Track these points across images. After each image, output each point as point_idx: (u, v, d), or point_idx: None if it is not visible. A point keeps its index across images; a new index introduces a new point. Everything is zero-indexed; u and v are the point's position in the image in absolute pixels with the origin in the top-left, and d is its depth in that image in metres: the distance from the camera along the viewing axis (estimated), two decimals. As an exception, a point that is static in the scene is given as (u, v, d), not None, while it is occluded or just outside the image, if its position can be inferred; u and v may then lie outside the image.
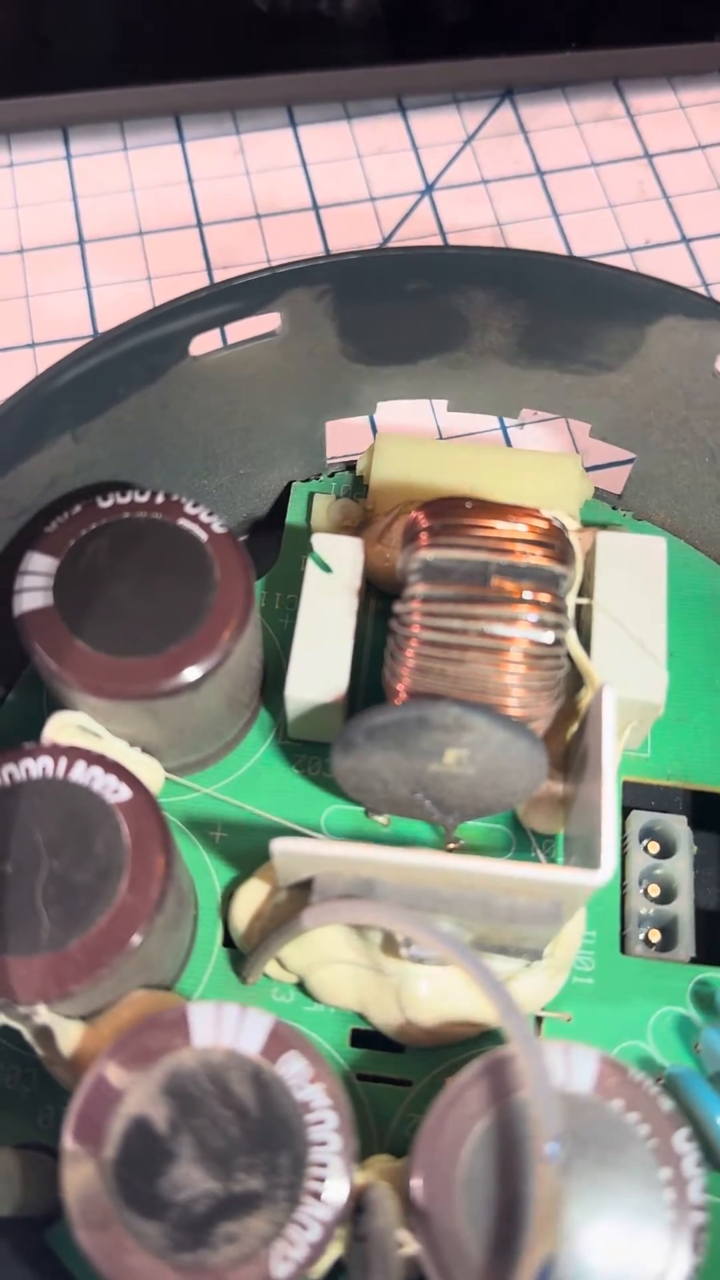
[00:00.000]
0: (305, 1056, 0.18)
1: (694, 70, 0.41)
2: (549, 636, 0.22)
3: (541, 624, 0.22)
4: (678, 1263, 0.18)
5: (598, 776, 0.22)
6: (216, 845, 0.25)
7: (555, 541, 0.23)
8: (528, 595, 0.22)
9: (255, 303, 0.23)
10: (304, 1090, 0.18)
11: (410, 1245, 0.18)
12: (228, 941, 0.24)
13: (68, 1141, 0.18)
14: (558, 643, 0.22)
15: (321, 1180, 0.18)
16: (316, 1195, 0.18)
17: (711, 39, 0.40)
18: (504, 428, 0.34)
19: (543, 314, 0.24)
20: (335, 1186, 0.18)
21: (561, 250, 0.38)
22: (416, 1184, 0.18)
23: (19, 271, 0.37)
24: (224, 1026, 0.19)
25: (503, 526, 0.23)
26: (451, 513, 0.23)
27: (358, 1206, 0.18)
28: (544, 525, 0.23)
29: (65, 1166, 0.18)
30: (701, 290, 0.37)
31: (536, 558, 0.22)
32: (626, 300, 0.23)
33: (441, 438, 0.34)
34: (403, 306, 0.24)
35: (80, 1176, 0.18)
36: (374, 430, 0.33)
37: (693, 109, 0.40)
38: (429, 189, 0.39)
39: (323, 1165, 0.18)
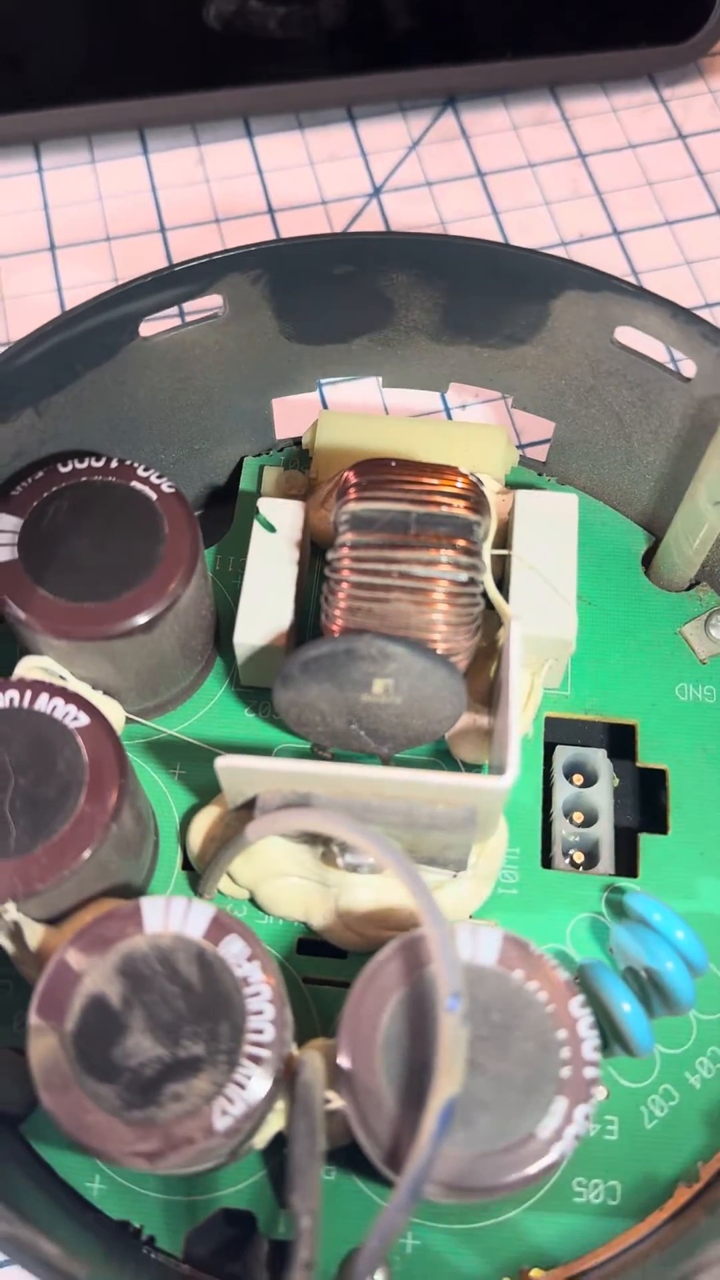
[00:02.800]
0: (243, 939, 0.21)
1: (625, 75, 0.44)
2: (463, 576, 0.25)
3: (456, 565, 0.25)
4: (575, 1111, 0.20)
5: (508, 698, 0.24)
6: (176, 780, 0.27)
7: (470, 494, 0.25)
8: (444, 540, 0.25)
9: (196, 287, 0.26)
10: (242, 968, 0.21)
11: (336, 1102, 0.20)
12: (187, 865, 0.26)
13: (33, 1017, 0.20)
14: (472, 582, 0.25)
15: (257, 1045, 0.20)
16: (253, 1058, 0.20)
17: (640, 46, 0.42)
18: (447, 408, 0.37)
19: (458, 293, 0.27)
20: (269, 1050, 0.20)
21: (500, 245, 0.40)
22: (342, 1049, 0.20)
23: (-5, 276, 0.40)
24: (172, 915, 0.21)
25: (422, 481, 0.25)
26: (377, 470, 0.26)
27: (292, 1074, 0.21)
28: (460, 480, 0.25)
29: (31, 1039, 0.20)
30: (631, 279, 0.40)
31: (453, 508, 0.25)
32: (530, 277, 0.26)
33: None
34: (332, 289, 0.27)
35: (44, 1047, 0.20)
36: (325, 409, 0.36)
37: (624, 111, 0.43)
38: (377, 192, 0.41)
39: (258, 1032, 0.20)
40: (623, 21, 0.42)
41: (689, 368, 0.27)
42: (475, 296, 0.27)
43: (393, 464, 0.26)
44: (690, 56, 0.42)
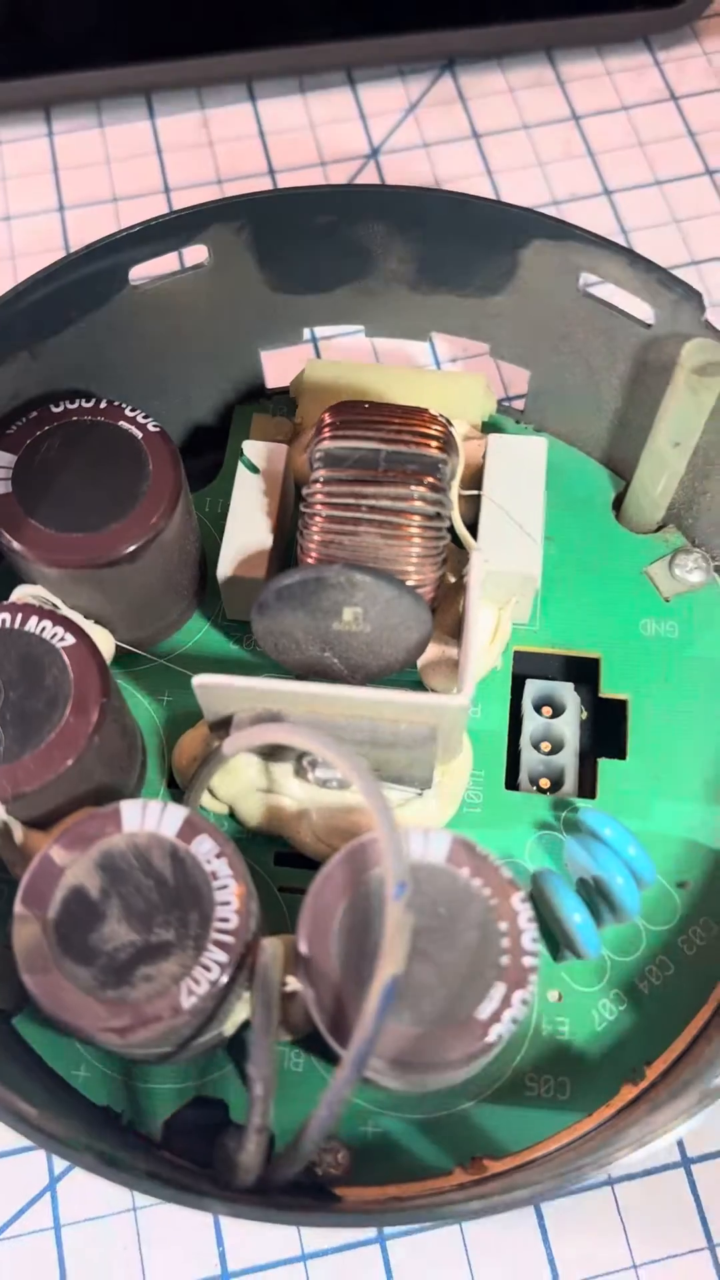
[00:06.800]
0: (213, 838, 0.23)
1: (620, 38, 0.44)
2: (429, 510, 0.26)
3: (423, 500, 0.26)
4: (513, 996, 0.21)
5: (469, 624, 0.26)
6: (165, 707, 0.29)
7: (438, 434, 0.27)
8: (411, 476, 0.26)
9: (182, 238, 0.27)
10: (211, 863, 0.22)
11: (294, 985, 0.22)
12: (172, 784, 0.28)
13: (18, 907, 0.22)
14: (437, 516, 0.26)
15: (223, 932, 0.22)
16: (218, 944, 0.22)
17: (635, 9, 0.43)
18: (437, 360, 0.38)
19: (432, 243, 0.28)
20: (234, 936, 0.22)
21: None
22: (301, 937, 0.22)
23: (6, 237, 0.41)
24: (148, 816, 0.23)
25: (393, 421, 0.27)
26: (351, 411, 0.27)
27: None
28: (429, 421, 0.27)
29: (15, 926, 0.22)
30: (621, 237, 0.41)
31: (421, 447, 0.26)
32: (498, 227, 0.27)
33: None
34: (313, 239, 0.28)
35: (27, 934, 0.22)
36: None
37: (618, 74, 0.44)
38: (375, 153, 0.43)
39: (225, 920, 0.22)
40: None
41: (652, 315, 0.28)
42: (448, 246, 0.28)
43: (366, 405, 0.27)
44: (684, 19, 0.43)
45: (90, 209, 0.42)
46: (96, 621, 0.28)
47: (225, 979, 0.22)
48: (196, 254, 0.29)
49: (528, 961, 0.22)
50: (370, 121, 0.43)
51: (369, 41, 0.43)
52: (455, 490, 0.27)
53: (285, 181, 0.42)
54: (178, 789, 0.28)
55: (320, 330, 0.32)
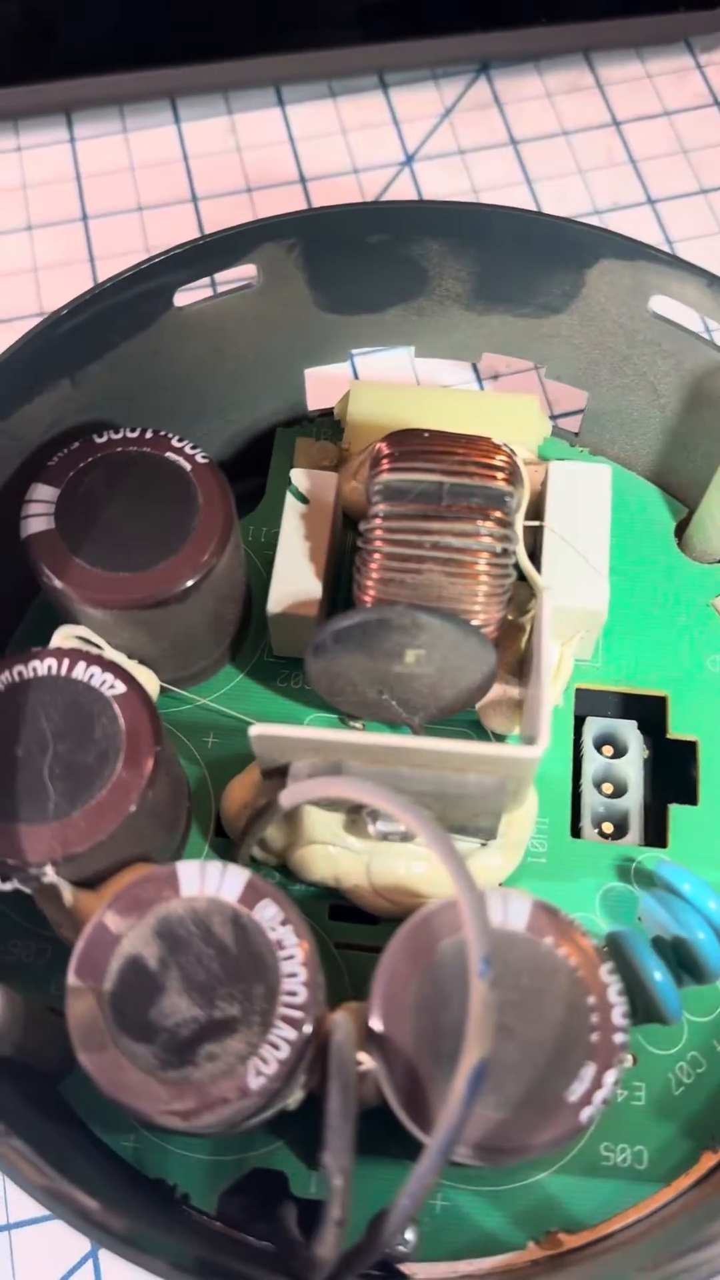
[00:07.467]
0: (277, 903, 0.21)
1: (660, 40, 0.43)
2: (496, 547, 0.25)
3: (489, 536, 0.25)
4: (604, 1076, 0.20)
5: (540, 668, 0.24)
6: (209, 750, 0.28)
7: (503, 465, 0.25)
8: (477, 511, 0.25)
9: (231, 257, 0.26)
10: (276, 931, 0.21)
11: (367, 1063, 0.20)
12: (219, 833, 0.27)
13: (71, 978, 0.21)
14: (504, 553, 0.25)
15: (291, 1006, 0.20)
16: (287, 1020, 0.20)
17: (676, 10, 0.42)
18: (479, 379, 0.37)
19: (492, 261, 0.27)
20: (303, 1011, 0.20)
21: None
22: (375, 1012, 0.21)
23: (28, 247, 0.40)
24: (208, 879, 0.21)
25: (455, 452, 0.25)
26: (410, 441, 0.26)
27: (324, 1036, 0.21)
28: (493, 451, 0.25)
29: (69, 999, 0.21)
30: (666, 248, 0.39)
31: (486, 479, 0.25)
32: (564, 246, 0.26)
33: (420, 389, 0.36)
34: (366, 258, 0.27)
35: (82, 1007, 0.21)
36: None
37: (659, 78, 0.43)
38: (409, 160, 0.41)
39: (292, 994, 0.21)
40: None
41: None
42: (509, 265, 0.27)
43: (426, 435, 0.26)
44: (728, 20, 0.42)
45: (115, 218, 0.40)
46: (140, 661, 0.26)
47: (295, 1058, 0.20)
48: (241, 272, 0.27)
49: (619, 1039, 0.20)
50: (404, 127, 0.42)
51: (401, 44, 0.42)
52: (520, 523, 0.26)
53: (317, 190, 0.41)
54: (224, 838, 0.26)
55: (359, 349, 0.30)
